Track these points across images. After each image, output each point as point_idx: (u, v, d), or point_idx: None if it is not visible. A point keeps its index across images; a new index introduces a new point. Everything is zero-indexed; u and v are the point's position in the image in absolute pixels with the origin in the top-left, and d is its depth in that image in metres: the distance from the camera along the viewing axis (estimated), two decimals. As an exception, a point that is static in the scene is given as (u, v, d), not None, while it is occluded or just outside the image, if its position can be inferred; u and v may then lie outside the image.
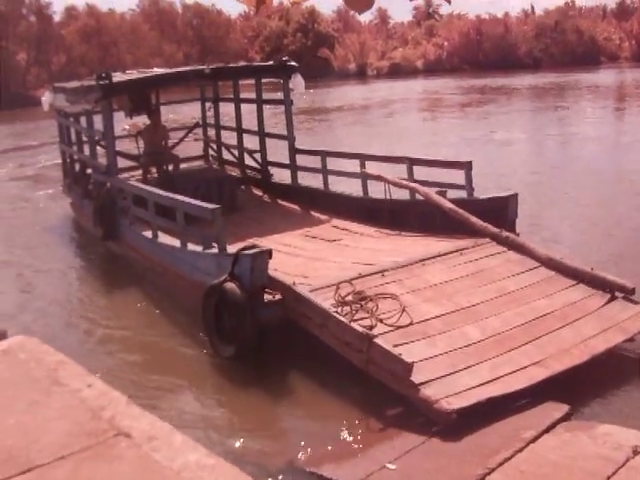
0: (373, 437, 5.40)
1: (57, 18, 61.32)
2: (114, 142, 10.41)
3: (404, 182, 9.54)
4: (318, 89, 43.99)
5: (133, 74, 11.42)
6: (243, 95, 13.31)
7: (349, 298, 6.61)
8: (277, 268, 7.54)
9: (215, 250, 7.39)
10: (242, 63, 14.45)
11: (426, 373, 5.49)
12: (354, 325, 5.95)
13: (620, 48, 66.15)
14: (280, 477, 5.03)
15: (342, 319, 6.07)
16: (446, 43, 65.24)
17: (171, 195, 8.36)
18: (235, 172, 13.01)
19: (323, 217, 10.46)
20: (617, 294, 6.90)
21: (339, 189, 11.14)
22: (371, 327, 6.06)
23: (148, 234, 8.86)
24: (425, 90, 44.07)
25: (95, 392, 2.45)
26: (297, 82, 11.08)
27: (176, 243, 8.16)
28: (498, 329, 6.25)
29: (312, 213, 10.74)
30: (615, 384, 5.95)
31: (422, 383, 5.38)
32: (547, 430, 4.94)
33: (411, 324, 6.25)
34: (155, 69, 12.23)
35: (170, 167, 12.08)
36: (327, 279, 7.14)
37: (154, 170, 12.18)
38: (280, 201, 11.61)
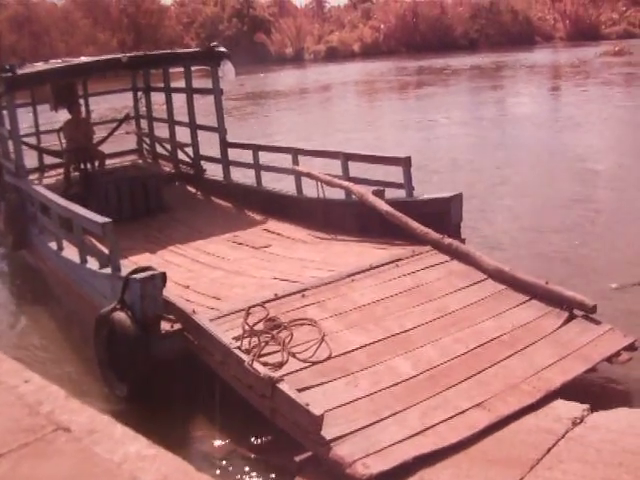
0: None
1: (-15, 7, 59.73)
2: (20, 140, 9.59)
3: (336, 180, 8.85)
4: (254, 74, 43.73)
5: (56, 64, 10.58)
6: (179, 85, 12.51)
7: (260, 326, 5.82)
8: (190, 285, 7.11)
9: (109, 271, 6.49)
10: (168, 50, 13.53)
11: (342, 425, 4.61)
12: (256, 365, 5.09)
13: (554, 28, 67.01)
14: (223, 463, 5.03)
15: (243, 357, 5.21)
16: (382, 26, 65.30)
17: (68, 205, 7.42)
18: (169, 167, 12.40)
19: (256, 218, 9.82)
20: (576, 312, 6.04)
21: (277, 186, 10.55)
22: (281, 364, 5.30)
23: (54, 245, 8.04)
24: (362, 73, 44.07)
25: (32, 387, 2.42)
26: (227, 69, 10.47)
27: (77, 258, 7.27)
28: (434, 361, 5.40)
29: (244, 213, 10.10)
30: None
31: (335, 439, 4.49)
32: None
33: (329, 358, 5.43)
34: (82, 58, 11.40)
35: (96, 164, 11.28)
36: (238, 302, 6.35)
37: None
38: (212, 199, 10.95)
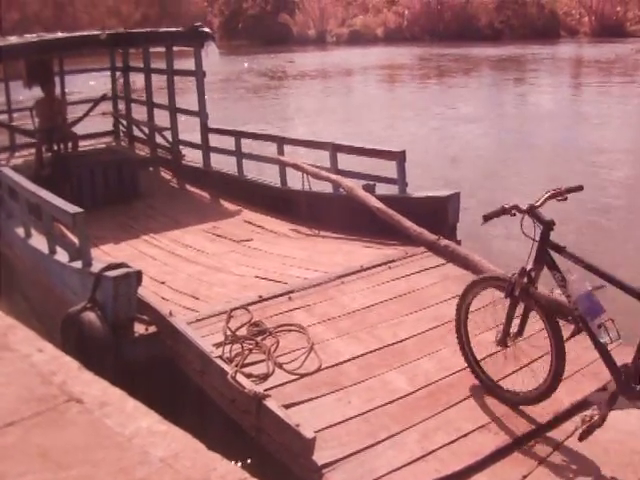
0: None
1: (10, -26, 59.71)
2: None
3: (324, 173, 8.36)
4: (275, 54, 43.63)
5: (31, 38, 10.10)
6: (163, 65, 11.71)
7: (243, 331, 5.37)
8: (165, 281, 6.71)
9: (79, 265, 5.97)
10: (148, 29, 12.94)
11: (334, 448, 4.14)
12: (239, 377, 4.60)
13: (580, 23, 66.39)
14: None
15: (225, 367, 4.74)
16: (407, 12, 64.89)
17: (36, 191, 6.86)
18: (145, 151, 11.98)
19: (235, 208, 9.39)
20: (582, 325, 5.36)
21: (259, 176, 10.10)
22: (266, 375, 4.84)
23: (21, 232, 7.44)
24: (384, 59, 43.81)
25: (46, 357, 2.42)
26: (210, 51, 10.22)
27: (45, 248, 6.74)
28: (432, 376, 4.92)
29: (223, 203, 9.66)
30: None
31: (327, 465, 4.00)
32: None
33: (319, 370, 4.96)
34: (59, 34, 10.86)
35: (69, 146, 10.87)
36: (219, 303, 5.93)
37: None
38: (190, 187, 10.51)
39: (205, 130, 10.45)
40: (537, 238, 4.25)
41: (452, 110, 22.52)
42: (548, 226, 4.22)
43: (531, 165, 14.76)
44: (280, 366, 4.98)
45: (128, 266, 5.55)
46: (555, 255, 4.30)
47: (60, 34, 10.82)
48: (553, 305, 4.68)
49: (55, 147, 10.45)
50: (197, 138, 10.73)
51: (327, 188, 8.58)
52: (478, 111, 22.44)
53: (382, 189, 8.02)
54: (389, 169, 7.97)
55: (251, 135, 10.66)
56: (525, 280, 4.38)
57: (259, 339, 5.27)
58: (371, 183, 7.95)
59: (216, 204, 9.73)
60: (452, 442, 4.27)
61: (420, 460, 4.10)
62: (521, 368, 4.77)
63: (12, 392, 2.21)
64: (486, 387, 4.81)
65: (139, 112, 12.49)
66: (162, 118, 11.65)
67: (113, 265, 5.54)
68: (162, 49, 11.00)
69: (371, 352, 5.25)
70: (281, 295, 6.06)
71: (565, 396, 4.66)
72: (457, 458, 4.12)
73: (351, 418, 4.46)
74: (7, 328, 2.61)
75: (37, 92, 10.94)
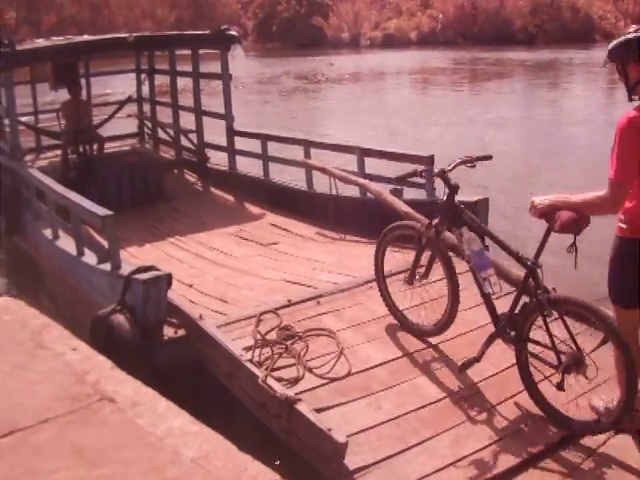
0: None
1: (48, -23, 60.48)
2: (17, 120, 9.05)
3: (352, 177, 8.27)
4: (310, 57, 43.75)
5: (58, 41, 9.89)
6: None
7: (272, 335, 5.32)
8: (193, 284, 6.67)
9: (108, 267, 6.00)
10: (175, 32, 12.56)
11: (365, 453, 4.13)
12: (270, 381, 4.59)
13: (615, 27, 65.58)
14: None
15: (256, 371, 4.72)
16: (441, 15, 64.70)
17: (65, 193, 6.90)
18: (170, 153, 11.90)
19: (261, 211, 9.28)
20: None
21: (283, 179, 10.00)
22: (297, 379, 4.82)
23: (49, 233, 7.51)
24: (418, 62, 43.71)
25: (80, 356, 2.45)
26: (237, 54, 10.08)
27: (73, 249, 6.78)
28: (462, 382, 4.93)
29: (249, 206, 9.56)
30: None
31: (359, 469, 4.00)
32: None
33: (349, 375, 4.94)
34: (85, 36, 10.88)
35: (95, 148, 10.79)
36: (247, 307, 5.90)
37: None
38: (215, 189, 10.43)
39: (231, 133, 10.42)
40: (445, 198, 4.89)
41: (485, 114, 22.36)
42: (453, 189, 4.84)
43: (561, 171, 14.61)
44: (310, 370, 4.96)
45: (158, 269, 5.53)
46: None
47: (86, 37, 10.91)
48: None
49: (81, 149, 10.46)
50: (223, 140, 10.72)
51: (354, 192, 8.49)
52: (511, 115, 22.29)
53: (410, 194, 7.91)
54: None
55: (277, 138, 10.49)
56: (432, 232, 5.05)
57: (289, 343, 5.24)
58: (399, 187, 7.82)
59: (241, 207, 9.68)
60: (483, 448, 4.23)
61: (451, 466, 4.07)
62: (422, 304, 5.38)
63: (47, 390, 2.24)
64: (398, 320, 5.58)
65: (165, 114, 12.46)
66: (187, 120, 11.70)
67: (143, 268, 5.52)
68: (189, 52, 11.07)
69: (401, 357, 5.23)
70: (310, 299, 6.02)
71: (599, 402, 4.58)
72: (488, 465, 4.10)
73: (382, 423, 4.43)
74: (42, 327, 2.65)
75: (63, 94, 10.96)
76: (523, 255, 4.53)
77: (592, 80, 32.57)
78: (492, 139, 18.22)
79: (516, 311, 4.57)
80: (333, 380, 4.88)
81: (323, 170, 8.71)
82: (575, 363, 4.25)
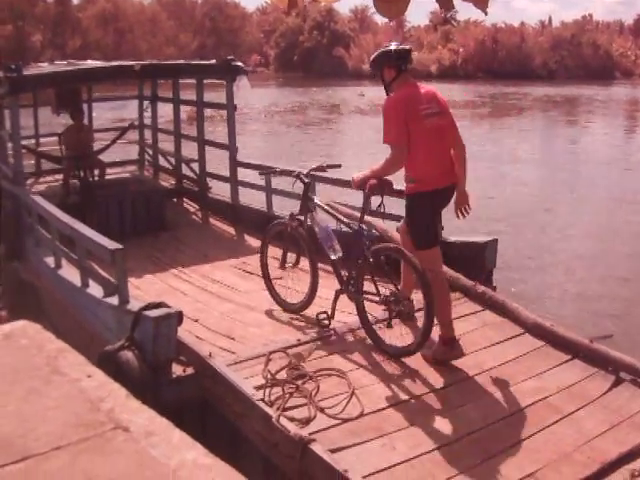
0: None
1: (75, 1, 61.64)
2: (21, 145, 8.85)
3: (357, 214, 7.90)
4: (331, 87, 44.01)
5: (62, 66, 9.82)
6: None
7: (282, 374, 5.25)
8: (198, 319, 6.56)
9: (115, 301, 5.87)
10: (180, 61, 12.36)
11: None
12: (283, 421, 4.54)
13: (635, 64, 66.01)
14: None
15: (268, 411, 4.66)
16: (461, 49, 65.17)
17: (71, 222, 6.72)
18: (169, 181, 11.66)
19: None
20: (622, 375, 5.32)
21: (285, 211, 9.75)
22: (309, 420, 4.73)
23: (51, 261, 7.26)
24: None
25: (95, 383, 2.43)
26: (242, 85, 9.94)
27: (77, 280, 6.58)
28: (476, 424, 4.80)
29: (252, 238, 9.24)
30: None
31: None
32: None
33: (362, 415, 4.85)
34: (89, 62, 10.64)
35: (96, 174, 10.59)
36: (257, 345, 5.82)
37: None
38: (216, 220, 10.24)
39: (234, 164, 10.17)
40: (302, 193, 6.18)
41: (503, 150, 22.40)
42: (307, 186, 6.21)
43: (576, 213, 14.56)
44: (322, 410, 4.86)
45: (168, 305, 5.42)
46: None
47: (91, 62, 10.74)
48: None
49: (82, 174, 10.25)
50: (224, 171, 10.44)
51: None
52: (529, 152, 22.32)
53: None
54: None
55: (281, 172, 10.33)
56: (295, 222, 6.18)
57: (299, 383, 5.15)
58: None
59: (244, 239, 9.49)
60: None
61: None
62: (289, 288, 6.43)
63: (60, 416, 2.22)
64: (276, 302, 6.57)
65: (167, 142, 12.20)
66: (189, 149, 11.70)
67: (153, 304, 5.40)
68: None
69: (413, 398, 5.13)
70: (319, 339, 5.94)
71: (612, 446, 4.46)
72: None
73: (397, 464, 4.32)
74: (58, 351, 2.64)
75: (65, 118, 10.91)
76: (350, 222, 6.04)
77: (612, 117, 32.63)
78: (507, 175, 18.23)
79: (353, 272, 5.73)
80: (346, 420, 4.80)
81: (327, 206, 8.55)
82: (395, 302, 5.47)
